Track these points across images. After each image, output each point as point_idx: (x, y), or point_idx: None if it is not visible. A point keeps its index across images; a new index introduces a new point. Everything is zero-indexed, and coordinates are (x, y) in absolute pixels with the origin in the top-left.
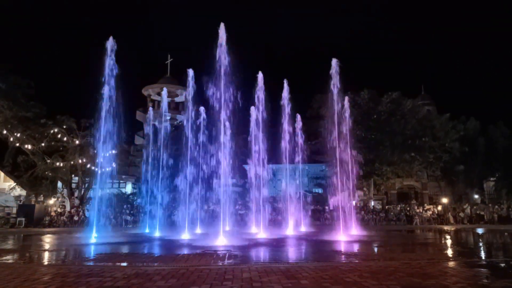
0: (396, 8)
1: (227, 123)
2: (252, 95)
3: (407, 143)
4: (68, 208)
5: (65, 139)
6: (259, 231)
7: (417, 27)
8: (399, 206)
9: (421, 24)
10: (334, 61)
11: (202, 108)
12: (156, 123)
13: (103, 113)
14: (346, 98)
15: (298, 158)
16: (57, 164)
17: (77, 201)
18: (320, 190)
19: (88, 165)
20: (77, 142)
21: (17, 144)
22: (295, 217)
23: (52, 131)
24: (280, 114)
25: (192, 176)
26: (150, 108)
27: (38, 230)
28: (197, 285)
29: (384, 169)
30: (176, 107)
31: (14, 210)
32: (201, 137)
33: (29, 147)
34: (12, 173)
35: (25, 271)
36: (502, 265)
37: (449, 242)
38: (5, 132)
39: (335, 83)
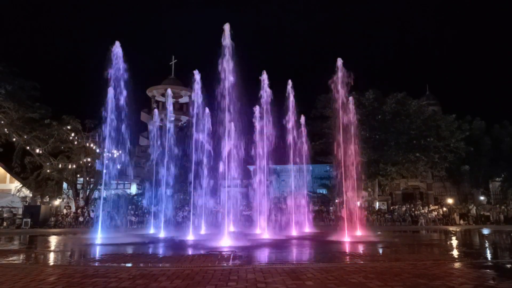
0: (399, 8)
1: (232, 124)
2: (256, 95)
3: (412, 143)
4: (73, 209)
5: (70, 139)
6: (263, 232)
7: (421, 26)
8: (404, 206)
9: (426, 23)
10: (339, 61)
11: (206, 109)
12: (161, 124)
13: (108, 114)
14: (351, 99)
15: (302, 158)
16: (63, 165)
17: (82, 202)
18: (324, 191)
19: (93, 166)
20: (82, 143)
21: (24, 146)
22: (299, 218)
23: (57, 132)
24: (284, 114)
25: (196, 177)
26: (155, 110)
27: (44, 230)
28: (202, 286)
29: (389, 170)
30: (181, 108)
31: (20, 211)
32: (206, 138)
33: (35, 148)
34: (19, 175)
35: (31, 272)
36: (509, 266)
37: (454, 243)
38: (13, 136)
39: (339, 83)
